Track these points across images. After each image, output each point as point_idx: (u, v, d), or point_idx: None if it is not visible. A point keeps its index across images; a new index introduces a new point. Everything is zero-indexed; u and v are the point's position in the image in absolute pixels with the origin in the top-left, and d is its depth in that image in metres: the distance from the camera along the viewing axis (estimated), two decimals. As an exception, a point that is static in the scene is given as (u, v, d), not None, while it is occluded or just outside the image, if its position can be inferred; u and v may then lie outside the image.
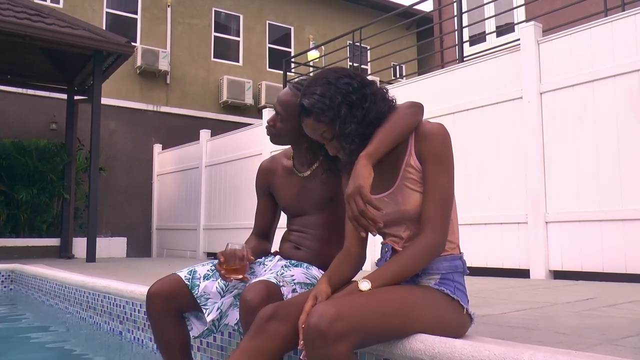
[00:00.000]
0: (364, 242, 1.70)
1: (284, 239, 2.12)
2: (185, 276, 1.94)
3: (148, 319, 1.96)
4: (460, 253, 1.64)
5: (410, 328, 1.49)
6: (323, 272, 1.92)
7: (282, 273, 1.85)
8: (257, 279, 1.78)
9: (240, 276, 1.87)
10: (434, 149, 1.55)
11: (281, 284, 1.75)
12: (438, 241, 1.53)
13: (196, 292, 1.90)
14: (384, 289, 1.47)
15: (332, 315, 1.31)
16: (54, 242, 9.04)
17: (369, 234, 1.50)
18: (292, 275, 1.85)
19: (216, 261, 2.00)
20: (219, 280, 1.94)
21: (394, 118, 1.57)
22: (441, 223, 1.53)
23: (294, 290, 1.77)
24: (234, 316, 1.93)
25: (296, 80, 2.09)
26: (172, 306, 1.91)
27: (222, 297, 1.92)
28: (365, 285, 1.46)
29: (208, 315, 1.87)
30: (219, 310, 1.89)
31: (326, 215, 2.00)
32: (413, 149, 1.58)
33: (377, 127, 1.56)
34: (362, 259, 1.71)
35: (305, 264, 1.97)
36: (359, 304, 1.39)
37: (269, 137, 2.05)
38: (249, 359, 1.46)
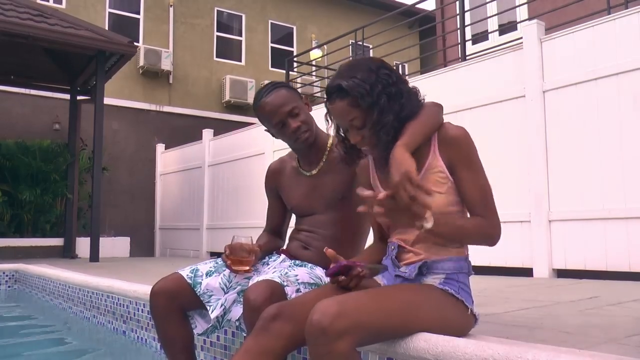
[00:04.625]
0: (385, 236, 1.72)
1: (292, 238, 2.12)
2: (187, 274, 1.95)
3: (152, 317, 1.97)
4: (466, 254, 1.64)
5: (413, 326, 1.49)
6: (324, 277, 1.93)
7: (286, 273, 1.84)
8: (261, 278, 1.78)
9: (247, 268, 1.88)
10: (465, 155, 1.56)
11: (285, 283, 1.75)
12: (497, 229, 1.59)
13: (199, 290, 1.90)
14: (387, 288, 1.47)
15: (334, 312, 1.31)
16: (57, 242, 9.06)
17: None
18: (296, 275, 1.84)
19: (219, 259, 2.01)
20: (221, 275, 1.94)
21: (425, 114, 1.56)
22: (494, 214, 1.60)
23: (297, 290, 1.77)
24: (237, 312, 1.93)
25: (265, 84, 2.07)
26: (175, 304, 1.92)
27: (225, 293, 1.92)
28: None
29: (212, 312, 1.88)
30: (223, 307, 1.89)
31: (336, 214, 1.99)
32: (437, 150, 1.57)
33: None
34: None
35: (310, 265, 1.96)
36: (362, 301, 1.39)
37: (305, 143, 1.97)
38: (252, 359, 1.46)
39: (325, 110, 1.67)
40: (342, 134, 1.68)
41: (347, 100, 1.53)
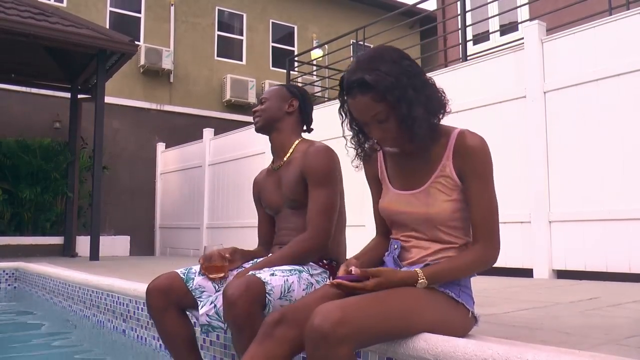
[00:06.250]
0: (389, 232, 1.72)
1: (274, 244, 2.17)
2: (181, 271, 2.02)
3: (149, 314, 2.02)
4: None
5: (414, 331, 1.48)
6: (306, 265, 1.95)
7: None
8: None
9: (222, 274, 1.97)
10: (478, 167, 1.53)
11: (258, 272, 1.78)
12: (493, 254, 1.53)
13: (191, 285, 1.96)
14: (388, 292, 1.46)
15: (336, 318, 1.30)
16: (57, 240, 9.06)
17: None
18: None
19: None
20: None
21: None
22: (494, 236, 1.54)
23: (273, 274, 1.79)
24: None
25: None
26: (170, 300, 1.97)
27: (216, 291, 1.97)
28: (422, 283, 1.47)
29: (201, 307, 1.91)
30: (213, 304, 1.91)
31: (303, 206, 2.04)
32: (451, 157, 1.54)
33: (436, 118, 1.53)
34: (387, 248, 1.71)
35: None
36: (364, 307, 1.37)
37: (256, 128, 2.18)
38: None
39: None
40: (356, 128, 1.62)
41: (370, 95, 1.44)
